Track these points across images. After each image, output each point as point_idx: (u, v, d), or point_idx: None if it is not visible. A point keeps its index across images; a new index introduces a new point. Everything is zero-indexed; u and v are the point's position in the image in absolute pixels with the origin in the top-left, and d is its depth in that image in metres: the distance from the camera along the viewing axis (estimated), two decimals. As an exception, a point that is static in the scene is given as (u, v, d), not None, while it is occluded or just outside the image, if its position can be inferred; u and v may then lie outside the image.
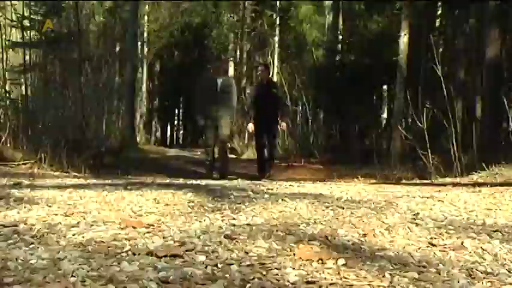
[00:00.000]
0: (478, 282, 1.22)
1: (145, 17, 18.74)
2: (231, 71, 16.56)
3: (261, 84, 6.80)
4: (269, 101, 6.45)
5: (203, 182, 3.10)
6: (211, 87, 6.27)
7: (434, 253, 1.46)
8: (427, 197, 2.35)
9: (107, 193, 2.33)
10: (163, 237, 1.53)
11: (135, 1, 11.06)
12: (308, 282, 1.16)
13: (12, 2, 9.82)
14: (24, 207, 1.97)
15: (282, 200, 2.19)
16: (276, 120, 6.51)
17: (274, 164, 6.75)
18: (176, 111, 28.78)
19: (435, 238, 1.61)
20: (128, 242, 1.48)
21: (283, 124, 6.59)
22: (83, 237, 1.53)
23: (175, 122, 29.37)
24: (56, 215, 1.84)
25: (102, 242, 1.47)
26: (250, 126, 6.59)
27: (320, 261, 1.32)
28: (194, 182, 3.16)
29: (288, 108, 6.77)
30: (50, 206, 2.00)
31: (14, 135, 5.28)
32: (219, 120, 6.22)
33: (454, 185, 3.32)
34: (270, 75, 6.87)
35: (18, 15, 8.98)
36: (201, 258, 1.31)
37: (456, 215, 1.99)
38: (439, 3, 11.16)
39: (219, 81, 6.30)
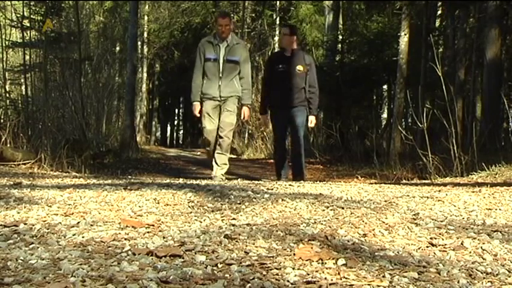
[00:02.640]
0: (478, 282, 1.22)
1: (145, 17, 18.77)
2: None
3: (282, 55, 4.86)
4: (293, 80, 4.71)
5: (203, 182, 3.10)
6: (211, 55, 4.65)
7: (434, 253, 1.46)
8: (427, 197, 2.35)
9: (107, 193, 2.33)
10: (163, 237, 1.53)
11: (135, 1, 11.06)
12: (308, 282, 1.16)
13: (12, 2, 9.82)
14: (24, 207, 1.97)
15: (282, 200, 2.19)
16: (303, 107, 4.78)
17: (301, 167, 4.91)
18: (176, 111, 28.84)
19: (435, 238, 1.61)
20: (128, 242, 1.48)
21: (312, 119, 4.82)
22: (83, 237, 1.53)
23: (175, 122, 29.41)
24: (56, 215, 1.84)
25: (102, 242, 1.47)
26: (265, 118, 5.06)
27: (320, 261, 1.32)
28: (194, 182, 3.16)
29: (317, 98, 4.91)
30: (50, 206, 2.00)
31: (14, 135, 5.29)
32: (223, 103, 4.65)
33: (454, 185, 3.32)
34: (296, 43, 4.86)
35: (18, 15, 8.98)
36: (201, 258, 1.31)
37: (456, 215, 1.99)
38: (439, 3, 11.17)
39: (222, 46, 4.64)
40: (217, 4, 17.53)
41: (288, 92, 4.76)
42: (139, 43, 17.29)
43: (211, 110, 4.72)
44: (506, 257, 1.44)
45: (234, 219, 1.83)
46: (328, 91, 10.65)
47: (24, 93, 8.43)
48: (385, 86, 13.13)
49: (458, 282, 1.21)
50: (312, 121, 4.90)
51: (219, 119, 4.77)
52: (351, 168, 7.48)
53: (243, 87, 4.77)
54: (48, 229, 1.62)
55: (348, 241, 1.53)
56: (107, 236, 1.54)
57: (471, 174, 4.44)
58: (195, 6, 17.82)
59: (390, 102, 12.41)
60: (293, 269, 1.26)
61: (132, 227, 1.67)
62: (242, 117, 5.09)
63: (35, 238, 1.51)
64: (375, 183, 4.49)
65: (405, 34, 8.94)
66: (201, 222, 1.78)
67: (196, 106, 4.79)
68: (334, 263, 1.31)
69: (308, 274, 1.23)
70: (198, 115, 4.82)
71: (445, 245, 1.54)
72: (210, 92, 4.69)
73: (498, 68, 8.41)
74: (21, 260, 1.28)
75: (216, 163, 4.73)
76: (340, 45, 12.05)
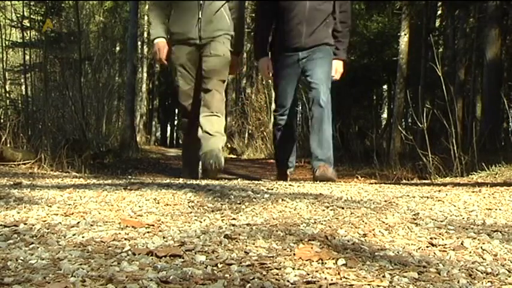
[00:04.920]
0: (478, 282, 1.22)
1: (145, 17, 18.78)
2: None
3: None
4: (310, 9, 3.12)
5: (203, 182, 3.10)
6: None
7: (434, 253, 1.46)
8: (427, 197, 2.35)
9: (107, 193, 2.33)
10: (163, 237, 1.53)
11: (135, 1, 11.07)
12: (308, 282, 1.16)
13: (12, 2, 9.83)
14: (24, 207, 1.97)
15: (282, 200, 2.19)
16: (327, 47, 3.26)
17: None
18: (176, 111, 28.85)
19: (435, 238, 1.61)
20: (128, 242, 1.48)
21: (338, 66, 3.32)
22: (83, 237, 1.53)
23: (176, 122, 29.42)
24: (56, 215, 1.84)
25: (102, 242, 1.47)
26: (265, 64, 3.35)
27: (320, 261, 1.32)
28: (194, 182, 3.16)
29: (348, 30, 3.29)
30: (50, 206, 2.00)
31: (14, 135, 5.29)
32: (205, 47, 3.15)
33: (454, 185, 3.32)
34: None
35: (18, 15, 8.98)
36: (201, 258, 1.31)
37: (456, 215, 1.99)
38: (439, 3, 11.19)
39: None
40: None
41: (303, 22, 3.08)
42: (139, 43, 17.30)
43: (186, 61, 3.20)
44: (506, 257, 1.44)
45: (234, 219, 1.83)
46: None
47: (24, 93, 8.43)
48: (385, 86, 13.15)
49: (458, 282, 1.21)
50: (337, 69, 3.28)
51: (200, 71, 3.14)
52: (351, 168, 7.48)
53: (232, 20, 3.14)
54: (48, 229, 1.62)
55: (348, 241, 1.53)
56: (107, 236, 1.54)
57: (471, 174, 4.44)
58: (195, 6, 17.79)
59: (390, 102, 12.42)
60: (293, 269, 1.26)
61: (132, 227, 1.67)
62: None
63: (35, 238, 1.51)
64: (375, 183, 4.49)
65: (405, 34, 8.94)
66: (201, 222, 1.78)
67: (161, 45, 3.19)
68: (334, 263, 1.31)
69: (308, 274, 1.23)
70: (165, 62, 3.34)
71: (445, 245, 1.54)
72: (182, 31, 3.11)
73: (498, 68, 8.41)
74: (21, 260, 1.28)
75: (206, 131, 3.10)
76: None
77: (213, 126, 3.14)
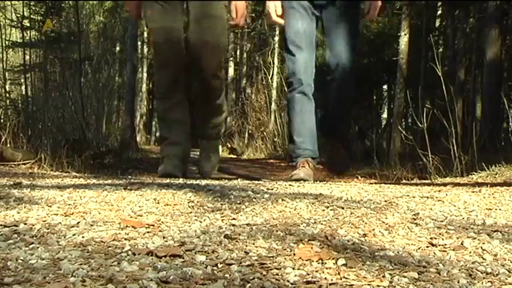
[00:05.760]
0: (478, 282, 1.22)
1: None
2: (231, 71, 16.51)
3: None
4: None
5: (203, 182, 3.10)
6: None
7: (434, 253, 1.46)
8: (427, 197, 2.35)
9: (107, 193, 2.32)
10: (163, 237, 1.53)
11: (135, 1, 11.07)
12: (308, 282, 1.16)
13: (12, 2, 9.84)
14: (24, 207, 1.97)
15: (282, 200, 2.19)
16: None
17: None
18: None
19: (435, 238, 1.61)
20: (128, 242, 1.48)
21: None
22: (83, 237, 1.53)
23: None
24: (56, 215, 1.84)
25: (102, 242, 1.47)
26: (274, 7, 2.84)
27: (320, 261, 1.32)
28: (194, 182, 3.16)
29: None
30: (50, 206, 2.00)
31: (14, 135, 5.29)
32: (198, 12, 2.66)
33: (454, 185, 3.32)
34: None
35: (18, 15, 8.99)
36: (201, 258, 1.31)
37: (456, 215, 1.99)
38: (439, 3, 11.19)
39: None
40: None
41: None
42: (139, 43, 17.30)
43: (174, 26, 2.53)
44: (506, 257, 1.44)
45: (234, 219, 1.83)
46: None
47: (24, 93, 8.44)
48: (385, 86, 13.15)
49: (458, 282, 1.21)
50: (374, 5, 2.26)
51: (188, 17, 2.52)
52: (351, 168, 7.47)
53: None
54: (48, 229, 1.61)
55: (348, 241, 1.53)
56: (107, 236, 1.54)
57: (471, 174, 4.44)
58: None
59: (390, 102, 12.41)
60: (293, 269, 1.26)
61: (132, 227, 1.67)
62: (234, 18, 2.79)
63: (35, 238, 1.51)
64: (375, 183, 4.48)
65: (405, 34, 8.95)
66: (201, 222, 1.78)
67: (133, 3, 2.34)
68: (334, 263, 1.31)
69: (308, 274, 1.23)
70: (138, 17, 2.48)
71: (445, 245, 1.53)
72: None
73: (498, 68, 8.42)
74: (21, 260, 1.28)
75: (205, 118, 2.80)
76: (340, 45, 12.02)
77: (209, 113, 3.03)
